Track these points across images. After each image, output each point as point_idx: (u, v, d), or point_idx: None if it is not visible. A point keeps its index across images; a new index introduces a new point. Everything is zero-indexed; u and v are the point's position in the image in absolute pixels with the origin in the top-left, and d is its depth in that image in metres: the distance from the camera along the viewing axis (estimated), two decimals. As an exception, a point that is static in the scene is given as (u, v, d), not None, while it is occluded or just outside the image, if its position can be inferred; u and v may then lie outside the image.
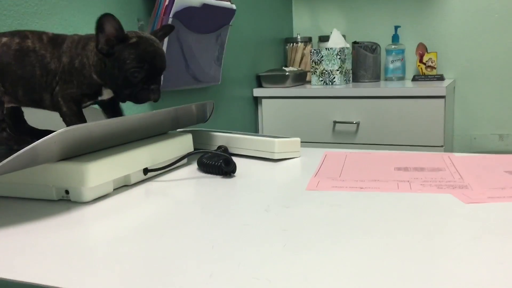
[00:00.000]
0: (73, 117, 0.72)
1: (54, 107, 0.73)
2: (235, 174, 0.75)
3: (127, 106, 0.88)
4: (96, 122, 0.64)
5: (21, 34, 0.71)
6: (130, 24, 1.19)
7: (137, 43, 0.70)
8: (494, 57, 2.07)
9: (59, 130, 0.57)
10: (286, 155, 0.86)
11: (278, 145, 0.84)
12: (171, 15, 1.18)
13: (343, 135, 1.83)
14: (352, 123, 1.80)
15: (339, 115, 1.83)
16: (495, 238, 0.46)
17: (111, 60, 0.69)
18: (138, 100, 0.72)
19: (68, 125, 0.71)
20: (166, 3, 1.17)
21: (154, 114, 0.76)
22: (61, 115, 0.72)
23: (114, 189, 0.68)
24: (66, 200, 0.64)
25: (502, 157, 0.81)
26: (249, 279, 0.39)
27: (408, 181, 0.68)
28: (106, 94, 0.74)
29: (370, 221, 0.52)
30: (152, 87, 0.72)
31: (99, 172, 0.63)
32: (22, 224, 0.55)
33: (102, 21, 0.68)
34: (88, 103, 0.75)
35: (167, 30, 0.79)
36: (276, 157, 0.84)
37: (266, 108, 1.96)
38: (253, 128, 2.00)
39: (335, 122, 1.83)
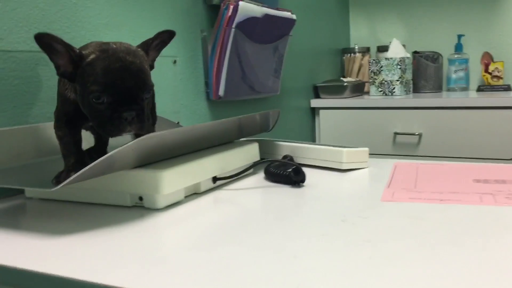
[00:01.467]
0: (60, 142, 0.66)
1: None
2: (304, 184, 0.74)
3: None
4: (169, 130, 0.65)
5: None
6: (194, 35, 1.21)
7: (96, 59, 0.56)
8: None
9: (138, 139, 0.58)
10: (354, 165, 0.83)
11: (347, 155, 0.82)
12: (233, 26, 1.19)
13: (405, 146, 1.78)
14: (414, 134, 1.75)
15: (399, 126, 1.78)
16: None
17: (76, 86, 0.59)
18: (107, 132, 0.59)
19: (61, 152, 0.66)
20: (229, 13, 1.18)
21: (222, 122, 0.76)
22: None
23: (185, 197, 0.68)
24: (139, 207, 0.64)
25: None
26: (338, 291, 0.37)
27: (491, 194, 0.64)
28: None
29: (458, 235, 0.49)
30: (125, 115, 0.58)
31: (172, 180, 0.63)
32: (98, 229, 0.56)
33: (45, 40, 0.56)
34: (89, 125, 0.67)
35: (165, 37, 0.66)
36: (344, 167, 0.82)
37: (324, 119, 1.94)
38: (310, 139, 1.98)
39: (395, 134, 1.78)
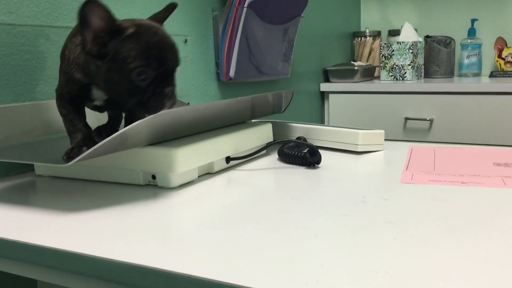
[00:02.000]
0: (64, 119, 0.63)
1: None
2: (319, 165, 0.72)
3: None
4: (183, 108, 0.63)
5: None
6: (205, 14, 1.19)
7: (136, 33, 0.53)
8: None
9: (152, 115, 0.56)
10: (370, 147, 0.82)
11: (362, 137, 0.80)
12: (246, 5, 1.17)
13: (416, 132, 1.76)
14: (425, 119, 1.72)
15: (410, 112, 1.75)
16: None
17: (106, 62, 0.53)
18: (149, 109, 0.56)
19: (66, 129, 0.63)
20: (242, -8, 1.16)
21: (236, 101, 0.74)
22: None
23: (198, 176, 0.66)
24: (152, 185, 0.63)
25: None
26: (365, 271, 0.36)
27: (514, 177, 0.62)
28: (98, 96, 0.62)
29: (485, 218, 0.47)
30: (166, 90, 0.56)
31: (186, 159, 0.61)
32: (111, 207, 0.54)
33: (84, 12, 0.51)
34: (92, 105, 0.64)
35: (170, 9, 0.63)
36: (359, 149, 0.80)
37: (333, 103, 1.92)
38: (319, 123, 1.96)
39: (406, 119, 1.76)
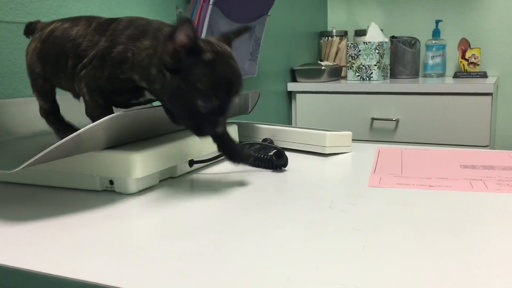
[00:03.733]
0: (98, 109, 0.60)
1: (77, 92, 0.63)
2: (286, 168, 0.70)
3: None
4: (143, 109, 0.60)
5: (75, 21, 0.64)
6: (169, 12, 1.15)
7: (214, 61, 0.52)
8: (541, 54, 1.97)
9: (107, 116, 0.53)
10: (337, 149, 0.80)
11: (330, 139, 0.78)
12: (211, 2, 1.14)
13: (382, 132, 1.76)
14: (391, 120, 1.73)
15: (377, 112, 1.76)
16: None
17: (176, 77, 0.52)
18: (200, 132, 0.55)
19: (91, 118, 0.60)
20: (207, -11, 1.13)
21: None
22: (85, 104, 0.61)
23: (159, 181, 0.63)
24: (110, 191, 0.59)
25: None
26: (334, 285, 0.34)
27: (481, 180, 0.61)
28: (146, 100, 0.62)
29: (454, 223, 0.46)
30: (220, 120, 0.54)
31: (145, 163, 0.58)
32: (64, 216, 0.51)
33: (178, 28, 0.50)
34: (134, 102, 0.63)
35: (242, 31, 0.60)
36: (327, 151, 0.78)
37: (300, 103, 1.91)
38: (286, 124, 1.95)
39: (373, 119, 1.76)
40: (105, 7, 0.94)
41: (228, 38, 0.58)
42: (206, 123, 0.54)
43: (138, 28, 0.57)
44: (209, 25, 1.18)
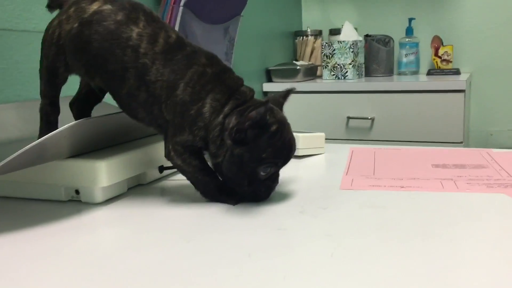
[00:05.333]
0: (198, 173, 0.54)
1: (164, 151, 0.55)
2: (258, 171, 0.69)
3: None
4: (108, 115, 0.58)
5: (128, 13, 0.53)
6: (139, 13, 1.13)
7: (278, 131, 0.51)
8: (511, 50, 2.00)
9: (69, 124, 0.51)
10: (311, 151, 0.80)
11: (303, 141, 0.78)
12: (182, 4, 1.12)
13: (358, 131, 1.77)
14: (367, 118, 1.74)
15: (352, 111, 1.76)
16: None
17: (239, 147, 0.50)
18: (256, 199, 0.54)
19: (195, 184, 0.55)
20: (177, -10, 1.11)
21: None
22: (174, 165, 0.56)
23: (128, 189, 0.62)
24: (76, 201, 0.57)
25: (546, 153, 0.74)
26: (300, 296, 0.33)
27: (452, 179, 0.61)
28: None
29: (425, 225, 0.46)
30: (274, 185, 0.55)
31: (112, 170, 0.56)
32: (27, 228, 0.49)
33: (256, 109, 0.49)
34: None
35: (288, 93, 0.59)
36: (300, 153, 0.78)
37: (276, 104, 1.90)
38: (263, 124, 1.93)
39: (348, 118, 1.76)
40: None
41: (280, 103, 0.57)
42: (262, 189, 0.54)
43: (217, 83, 0.52)
44: (181, 27, 1.16)
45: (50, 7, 0.60)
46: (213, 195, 0.55)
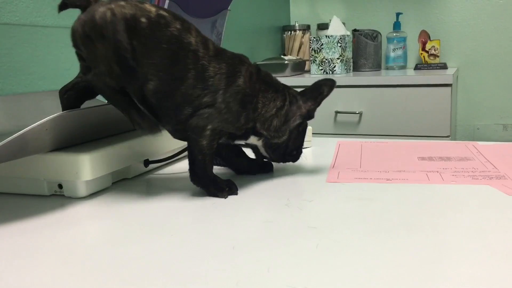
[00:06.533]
0: (209, 159, 0.56)
1: (183, 128, 0.56)
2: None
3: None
4: (92, 107, 0.57)
5: (182, 23, 0.55)
6: (124, 7, 1.12)
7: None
8: (498, 45, 2.01)
9: (51, 116, 0.50)
10: (297, 144, 0.79)
11: (289, 134, 0.77)
12: (168, -3, 1.11)
13: (346, 125, 1.77)
14: (355, 113, 1.74)
15: (340, 105, 1.77)
16: (556, 235, 0.40)
17: (303, 123, 0.63)
18: (295, 159, 0.64)
19: (197, 164, 0.56)
20: (163, -16, 1.10)
21: (155, 100, 0.69)
22: (192, 143, 0.56)
23: (112, 183, 0.61)
24: (59, 196, 0.57)
25: (531, 145, 0.75)
26: (284, 287, 0.33)
27: (438, 172, 0.61)
28: (251, 140, 0.61)
29: (409, 217, 0.46)
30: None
31: (96, 164, 0.56)
32: (9, 223, 0.48)
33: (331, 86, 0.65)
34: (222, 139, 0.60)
35: (332, 87, 0.68)
36: (287, 146, 0.77)
37: (265, 98, 1.89)
38: (251, 119, 1.93)
39: (336, 112, 1.77)
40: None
41: (322, 97, 0.66)
42: (301, 149, 0.65)
43: (264, 83, 0.59)
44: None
45: (64, 7, 0.55)
46: (205, 183, 0.56)
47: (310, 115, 0.63)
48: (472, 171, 0.61)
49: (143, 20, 0.53)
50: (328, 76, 1.85)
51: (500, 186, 0.54)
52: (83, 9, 0.54)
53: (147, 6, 0.54)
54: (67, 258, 0.39)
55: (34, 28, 0.92)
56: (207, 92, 0.55)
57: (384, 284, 0.33)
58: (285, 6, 2.33)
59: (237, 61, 0.58)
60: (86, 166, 0.54)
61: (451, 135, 1.69)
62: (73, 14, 0.54)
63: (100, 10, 0.52)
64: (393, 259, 0.36)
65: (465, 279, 0.33)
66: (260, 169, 0.66)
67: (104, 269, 0.37)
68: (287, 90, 0.62)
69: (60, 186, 0.56)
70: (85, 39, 0.52)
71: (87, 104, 0.58)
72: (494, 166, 0.63)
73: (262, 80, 0.59)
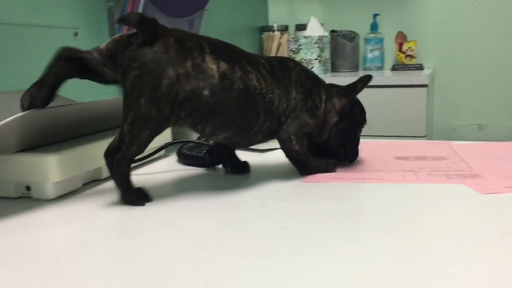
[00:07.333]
0: (308, 154, 0.61)
1: (278, 142, 0.61)
2: (220, 166, 0.68)
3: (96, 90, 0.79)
4: (61, 106, 0.55)
5: (241, 64, 0.54)
6: (98, 5, 1.10)
7: (358, 102, 0.67)
8: (473, 46, 2.04)
9: (17, 115, 0.48)
10: (275, 144, 0.78)
11: (265, 134, 0.77)
12: (143, -4, 1.09)
13: (324, 126, 1.78)
14: (332, 113, 1.74)
15: (318, 106, 1.77)
16: (528, 233, 0.40)
17: (344, 121, 0.64)
18: (354, 159, 0.66)
19: (305, 161, 0.62)
20: (138, -18, 1.08)
21: (128, 99, 0.67)
22: (290, 152, 0.61)
23: (83, 184, 0.59)
24: (27, 198, 0.55)
25: (504, 145, 0.76)
26: (254, 290, 0.32)
27: (413, 171, 0.61)
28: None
29: (383, 216, 0.45)
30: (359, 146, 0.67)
31: (65, 165, 0.54)
32: (-27, 227, 0.46)
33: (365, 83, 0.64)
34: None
35: (366, 82, 0.66)
36: (264, 147, 0.77)
37: (243, 99, 1.88)
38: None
39: (314, 113, 1.77)
40: (29, 4, 0.88)
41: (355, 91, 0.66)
42: (356, 150, 0.66)
43: (309, 81, 0.61)
44: (142, 20, 1.14)
45: (123, 22, 0.51)
46: (320, 167, 0.62)
47: (343, 111, 0.63)
48: (447, 170, 0.61)
49: (206, 93, 0.51)
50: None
51: (473, 184, 0.54)
52: (143, 30, 0.49)
53: (207, 65, 0.51)
54: (34, 262, 0.38)
55: (4, 26, 0.89)
56: (275, 121, 0.58)
57: (356, 283, 0.32)
58: (263, 6, 2.32)
59: (287, 75, 0.59)
60: (55, 167, 0.53)
61: (428, 135, 1.71)
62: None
63: (169, 72, 0.49)
64: (365, 259, 0.36)
65: (436, 277, 0.33)
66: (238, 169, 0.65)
67: (71, 272, 0.36)
68: (326, 86, 0.64)
69: (28, 188, 0.54)
70: (136, 80, 0.49)
71: (55, 103, 0.56)
72: (469, 165, 0.63)
73: (311, 80, 0.61)
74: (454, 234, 0.41)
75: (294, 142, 0.60)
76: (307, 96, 0.60)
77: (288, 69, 0.60)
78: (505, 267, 0.34)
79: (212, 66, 0.52)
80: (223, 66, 0.52)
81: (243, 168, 0.65)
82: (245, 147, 0.63)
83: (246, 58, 0.56)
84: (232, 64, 0.53)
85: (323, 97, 0.62)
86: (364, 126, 0.67)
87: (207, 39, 0.55)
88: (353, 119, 0.65)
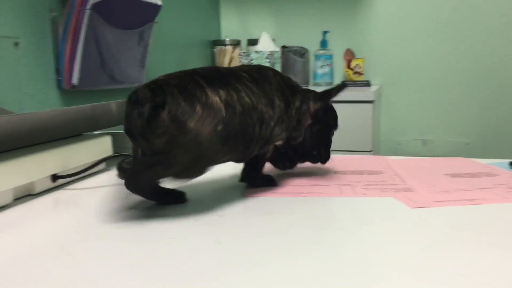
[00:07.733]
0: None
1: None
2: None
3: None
4: (-9, 119, 0.53)
5: (232, 85, 0.54)
6: (41, 15, 1.07)
7: (332, 106, 0.69)
8: (419, 64, 2.12)
9: None
10: (217, 159, 0.78)
11: (208, 148, 0.76)
12: (88, 7, 1.08)
13: (273, 140, 1.79)
14: (282, 127, 1.76)
15: (269, 120, 1.79)
16: (449, 246, 0.42)
17: (317, 124, 0.66)
18: (326, 160, 0.69)
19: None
20: (83, -7, 1.07)
21: (65, 111, 0.66)
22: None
23: (14, 200, 0.57)
24: (-49, 214, 0.52)
25: (437, 160, 0.79)
26: (178, 307, 0.31)
27: (350, 185, 0.63)
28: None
29: (316, 230, 0.46)
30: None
31: (-6, 179, 0.52)
32: None
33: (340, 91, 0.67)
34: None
35: (341, 88, 0.68)
36: (206, 161, 0.76)
37: (194, 112, 1.88)
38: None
39: (265, 127, 1.78)
40: None
41: (330, 94, 0.67)
42: (328, 152, 0.69)
43: (289, 83, 0.64)
44: (91, 32, 1.12)
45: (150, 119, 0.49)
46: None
47: (317, 114, 0.65)
48: (382, 184, 0.63)
49: (220, 127, 0.51)
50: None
51: (404, 198, 0.56)
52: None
53: (212, 97, 0.51)
54: None
55: None
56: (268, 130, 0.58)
57: (280, 299, 0.32)
58: (216, 20, 2.33)
59: (267, 84, 0.59)
60: (-18, 182, 0.51)
61: (374, 150, 1.76)
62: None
63: (189, 128, 0.49)
64: (295, 274, 0.36)
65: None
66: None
67: (-14, 293, 0.34)
68: (302, 90, 0.66)
69: (-47, 203, 0.52)
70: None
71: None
72: (402, 179, 0.65)
73: (286, 84, 0.63)
74: (381, 247, 0.42)
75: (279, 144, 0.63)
76: (287, 105, 0.61)
77: (268, 78, 0.60)
78: (424, 280, 0.35)
79: (215, 98, 0.51)
80: (222, 94, 0.52)
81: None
82: (241, 162, 0.62)
83: (231, 76, 0.55)
84: (227, 89, 0.53)
85: (297, 103, 0.63)
86: (336, 130, 0.70)
87: (196, 72, 0.54)
88: (326, 122, 0.68)
